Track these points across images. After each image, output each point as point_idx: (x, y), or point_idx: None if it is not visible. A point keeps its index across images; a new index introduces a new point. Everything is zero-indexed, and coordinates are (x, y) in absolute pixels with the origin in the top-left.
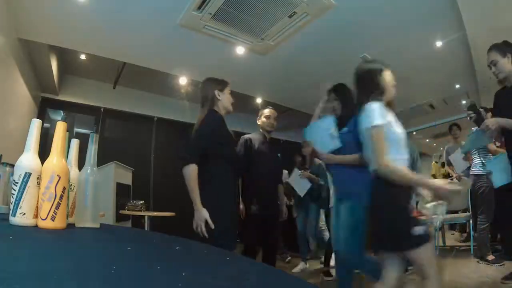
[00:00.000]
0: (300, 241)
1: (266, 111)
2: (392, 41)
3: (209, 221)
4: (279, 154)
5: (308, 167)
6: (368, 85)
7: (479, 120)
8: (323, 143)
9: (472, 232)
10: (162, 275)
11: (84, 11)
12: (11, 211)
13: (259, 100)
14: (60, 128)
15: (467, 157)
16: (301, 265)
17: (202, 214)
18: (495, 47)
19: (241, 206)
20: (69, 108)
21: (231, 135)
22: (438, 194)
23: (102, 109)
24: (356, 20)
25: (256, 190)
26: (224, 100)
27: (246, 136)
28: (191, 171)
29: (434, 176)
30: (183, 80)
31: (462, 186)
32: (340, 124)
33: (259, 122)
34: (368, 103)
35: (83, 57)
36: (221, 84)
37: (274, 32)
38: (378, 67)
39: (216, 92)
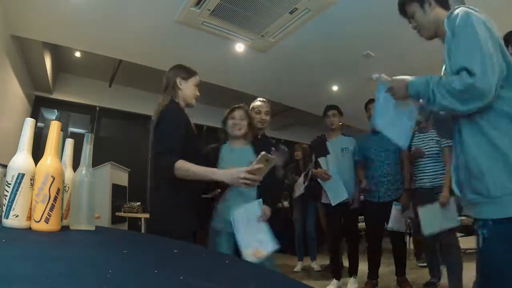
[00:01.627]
0: (298, 242)
1: (256, 105)
2: (393, 39)
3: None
4: (271, 152)
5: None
6: None
7: None
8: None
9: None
10: (160, 279)
11: (79, 6)
12: (3, 213)
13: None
14: (54, 128)
15: None
16: (299, 265)
17: (233, 173)
18: None
19: None
20: (64, 107)
21: (189, 130)
22: None
23: (97, 108)
24: (359, 17)
25: None
26: (185, 90)
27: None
28: (181, 165)
29: None
30: None
31: None
32: None
33: None
34: None
35: (77, 54)
36: (187, 73)
37: (274, 28)
38: None
39: (178, 80)
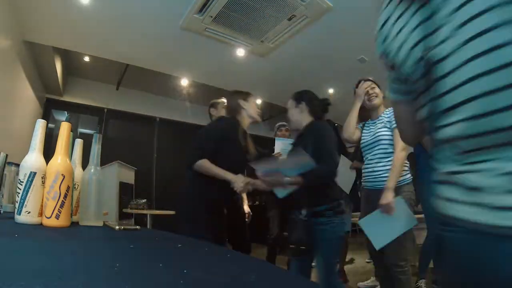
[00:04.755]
0: None
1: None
2: None
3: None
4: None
5: None
6: None
7: None
8: None
9: None
10: (164, 273)
11: (88, 14)
12: (16, 210)
13: (258, 101)
14: (64, 129)
15: None
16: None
17: (239, 179)
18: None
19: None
20: (73, 109)
21: (236, 141)
22: None
23: (105, 110)
24: (354, 23)
25: None
26: (249, 108)
27: None
28: (203, 163)
29: None
30: (184, 82)
31: None
32: None
33: None
34: None
35: (86, 59)
36: (246, 94)
37: (273, 34)
38: None
39: (241, 102)
